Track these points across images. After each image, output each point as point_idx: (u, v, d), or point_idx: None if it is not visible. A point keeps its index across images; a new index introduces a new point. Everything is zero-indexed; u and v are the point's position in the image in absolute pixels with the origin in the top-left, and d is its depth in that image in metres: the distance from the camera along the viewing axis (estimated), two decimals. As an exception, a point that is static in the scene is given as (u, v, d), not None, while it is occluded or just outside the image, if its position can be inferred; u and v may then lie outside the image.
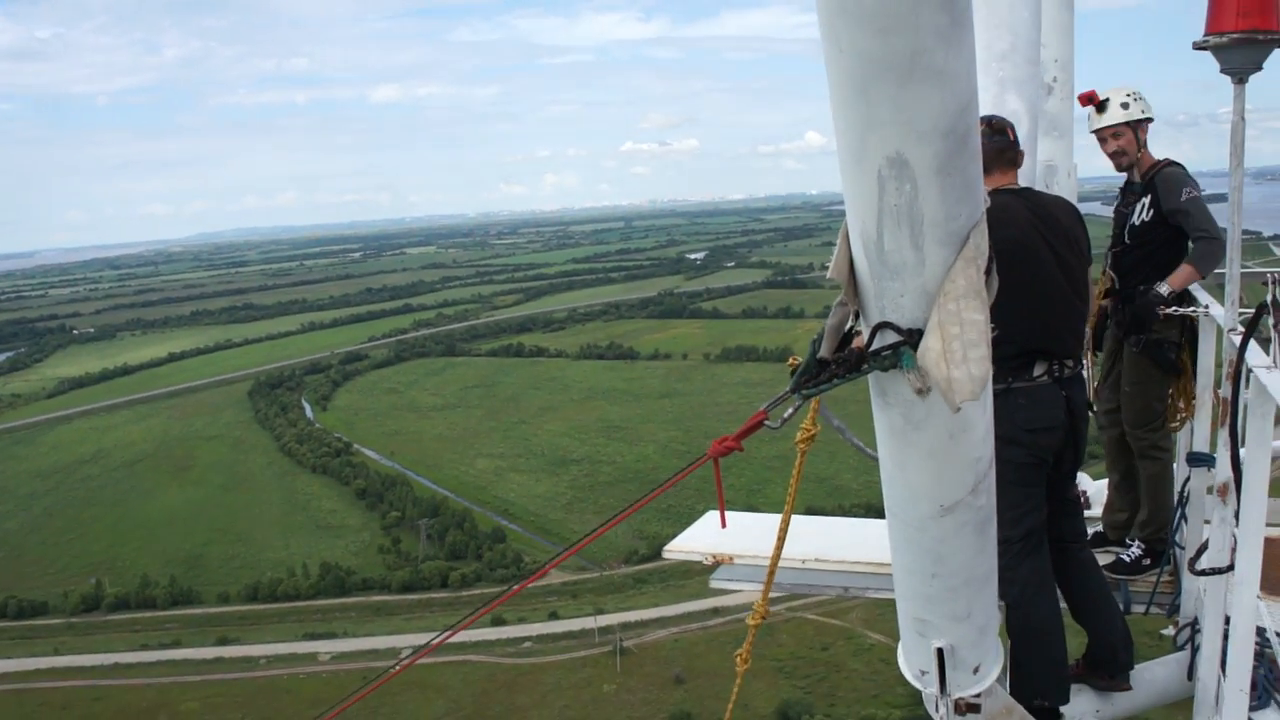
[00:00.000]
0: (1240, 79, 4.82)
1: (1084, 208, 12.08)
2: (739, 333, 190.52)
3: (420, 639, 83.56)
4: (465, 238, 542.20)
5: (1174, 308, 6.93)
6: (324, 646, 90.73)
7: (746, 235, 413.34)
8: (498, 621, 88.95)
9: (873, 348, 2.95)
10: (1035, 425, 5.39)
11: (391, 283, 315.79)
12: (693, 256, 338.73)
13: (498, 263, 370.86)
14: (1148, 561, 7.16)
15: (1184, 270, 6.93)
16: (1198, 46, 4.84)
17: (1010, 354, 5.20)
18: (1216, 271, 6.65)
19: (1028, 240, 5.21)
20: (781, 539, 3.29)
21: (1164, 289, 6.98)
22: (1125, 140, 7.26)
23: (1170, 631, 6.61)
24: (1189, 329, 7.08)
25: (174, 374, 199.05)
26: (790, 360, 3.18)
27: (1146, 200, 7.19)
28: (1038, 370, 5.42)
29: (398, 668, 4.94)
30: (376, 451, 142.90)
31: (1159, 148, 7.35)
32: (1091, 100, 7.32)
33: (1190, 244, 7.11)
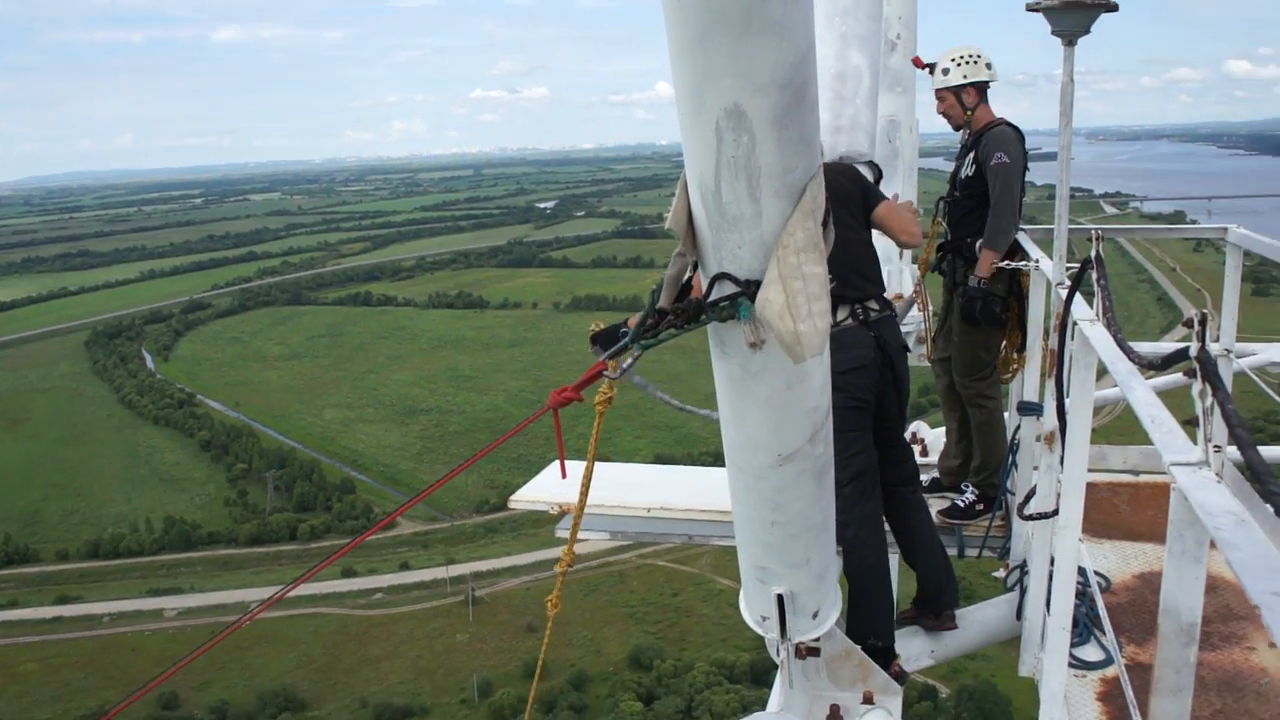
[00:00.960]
0: (1069, 41, 4.95)
1: (925, 163, 12.39)
2: (588, 282, 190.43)
3: (269, 592, 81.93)
4: (311, 184, 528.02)
5: (1005, 261, 7.12)
6: (169, 603, 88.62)
7: (596, 185, 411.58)
8: (348, 573, 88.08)
9: (711, 298, 2.97)
10: (845, 367, 5.48)
11: (235, 229, 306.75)
12: (542, 205, 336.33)
13: (344, 210, 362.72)
14: (980, 507, 7.39)
15: (984, 256, 7.11)
16: (1030, 8, 4.96)
17: None
18: (1046, 226, 6.83)
19: None
20: (584, 491, 3.32)
21: (974, 282, 7.17)
22: (947, 104, 7.42)
23: (1001, 574, 6.84)
24: (1017, 282, 7.29)
25: (4, 324, 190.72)
26: (592, 326, 3.18)
27: (971, 155, 7.36)
28: (841, 314, 5.57)
29: (242, 620, 4.86)
30: (221, 402, 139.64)
31: (1000, 104, 7.49)
32: (917, 65, 7.48)
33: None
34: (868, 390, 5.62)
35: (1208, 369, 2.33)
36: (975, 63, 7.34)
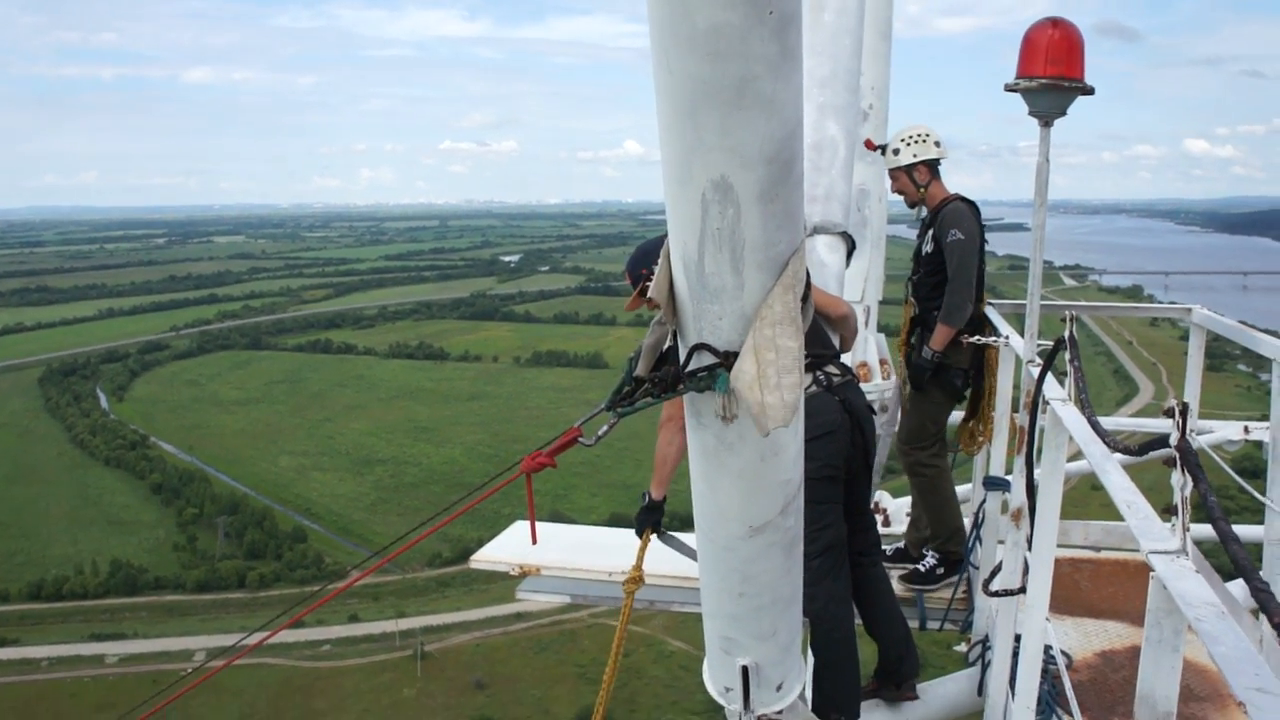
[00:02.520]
0: (1046, 122, 5.02)
1: (893, 230, 12.47)
2: (550, 337, 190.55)
3: (214, 640, 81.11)
4: (276, 229, 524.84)
5: (976, 337, 7.20)
6: (111, 648, 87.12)
7: (562, 240, 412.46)
8: (296, 624, 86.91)
9: (689, 369, 2.96)
10: (813, 433, 5.46)
11: (197, 271, 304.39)
12: (507, 259, 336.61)
13: (308, 255, 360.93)
14: (942, 570, 7.44)
15: (940, 330, 7.24)
16: (1009, 89, 5.03)
17: None
18: (1016, 302, 6.90)
19: None
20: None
21: (928, 353, 7.27)
22: (900, 183, 7.63)
23: (963, 648, 6.83)
24: (980, 356, 7.38)
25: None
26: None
27: (930, 233, 7.49)
28: (810, 382, 5.54)
29: (210, 670, 4.75)
30: (175, 445, 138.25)
31: (963, 175, 7.68)
32: (869, 147, 7.66)
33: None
34: (837, 457, 5.60)
35: (1188, 460, 2.34)
36: (924, 141, 7.50)
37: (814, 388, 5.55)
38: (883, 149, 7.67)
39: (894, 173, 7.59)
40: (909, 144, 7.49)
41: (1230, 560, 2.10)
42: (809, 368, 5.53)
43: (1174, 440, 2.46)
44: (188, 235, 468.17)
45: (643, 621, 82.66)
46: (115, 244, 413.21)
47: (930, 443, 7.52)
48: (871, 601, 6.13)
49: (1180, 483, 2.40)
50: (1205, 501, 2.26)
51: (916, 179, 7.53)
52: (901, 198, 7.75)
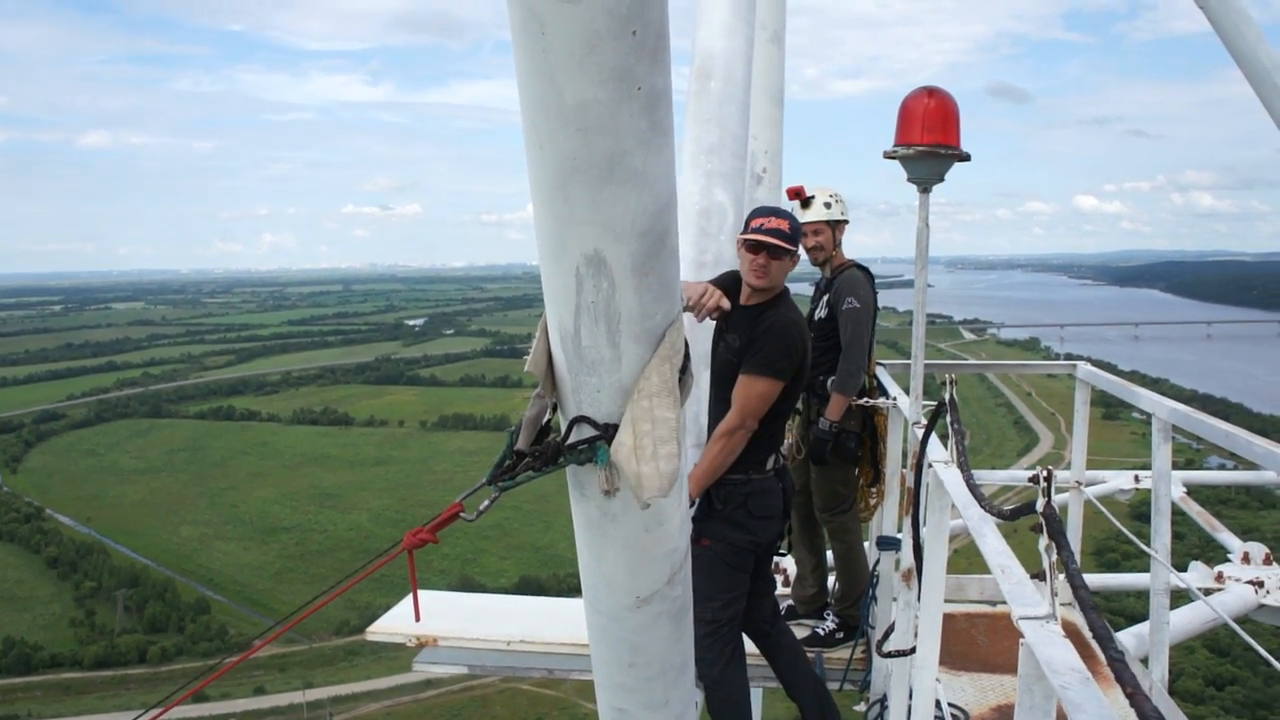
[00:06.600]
0: (925, 188, 5.12)
1: (792, 287, 12.59)
2: (456, 401, 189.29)
3: (113, 719, 78.83)
4: (176, 294, 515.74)
5: (865, 399, 7.28)
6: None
7: (466, 303, 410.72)
8: (200, 698, 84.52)
9: (569, 441, 2.96)
10: (764, 513, 5.58)
11: (94, 338, 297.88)
12: (412, 323, 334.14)
13: (210, 321, 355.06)
14: (841, 635, 7.48)
15: (835, 400, 7.28)
16: (888, 156, 5.13)
17: (763, 448, 5.48)
18: (904, 362, 7.00)
19: None
20: None
21: (824, 424, 7.31)
22: (824, 237, 7.60)
23: (862, 707, 6.86)
24: (870, 418, 7.46)
25: None
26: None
27: (825, 298, 7.55)
28: (769, 464, 5.63)
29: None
30: (72, 517, 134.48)
31: (865, 234, 7.78)
32: (798, 195, 7.63)
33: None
34: (769, 538, 5.73)
35: (1053, 527, 2.38)
36: (844, 203, 7.60)
37: (772, 471, 5.65)
38: (808, 200, 7.62)
39: (820, 226, 7.57)
40: (839, 201, 7.58)
41: (1090, 629, 2.14)
42: (776, 448, 5.66)
43: (1040, 506, 2.50)
44: (85, 302, 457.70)
45: (554, 685, 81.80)
46: (9, 311, 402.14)
47: (848, 506, 7.57)
48: (788, 664, 6.17)
49: (1046, 546, 2.44)
50: (1067, 569, 2.30)
51: (837, 236, 7.62)
52: (812, 254, 7.70)
